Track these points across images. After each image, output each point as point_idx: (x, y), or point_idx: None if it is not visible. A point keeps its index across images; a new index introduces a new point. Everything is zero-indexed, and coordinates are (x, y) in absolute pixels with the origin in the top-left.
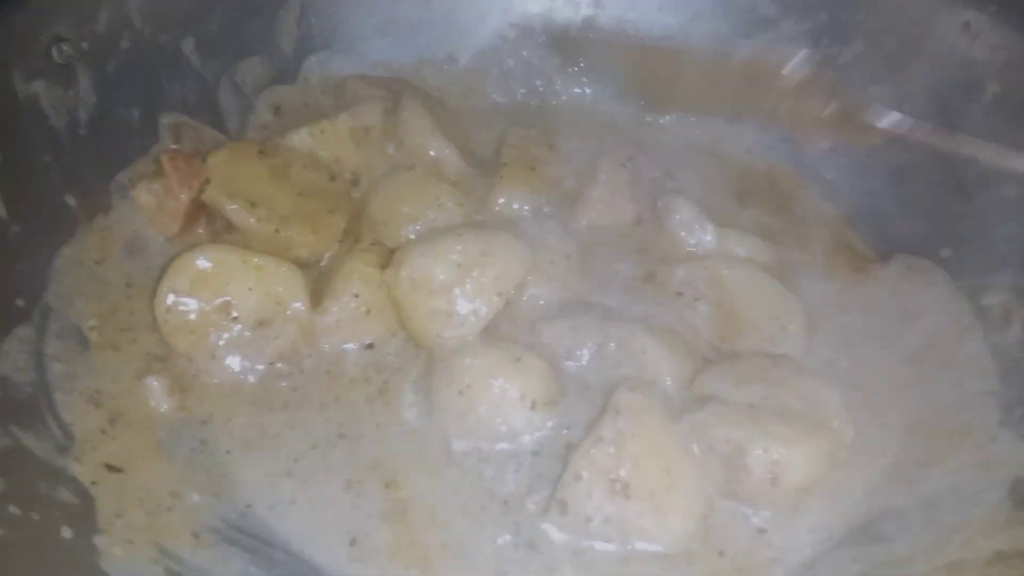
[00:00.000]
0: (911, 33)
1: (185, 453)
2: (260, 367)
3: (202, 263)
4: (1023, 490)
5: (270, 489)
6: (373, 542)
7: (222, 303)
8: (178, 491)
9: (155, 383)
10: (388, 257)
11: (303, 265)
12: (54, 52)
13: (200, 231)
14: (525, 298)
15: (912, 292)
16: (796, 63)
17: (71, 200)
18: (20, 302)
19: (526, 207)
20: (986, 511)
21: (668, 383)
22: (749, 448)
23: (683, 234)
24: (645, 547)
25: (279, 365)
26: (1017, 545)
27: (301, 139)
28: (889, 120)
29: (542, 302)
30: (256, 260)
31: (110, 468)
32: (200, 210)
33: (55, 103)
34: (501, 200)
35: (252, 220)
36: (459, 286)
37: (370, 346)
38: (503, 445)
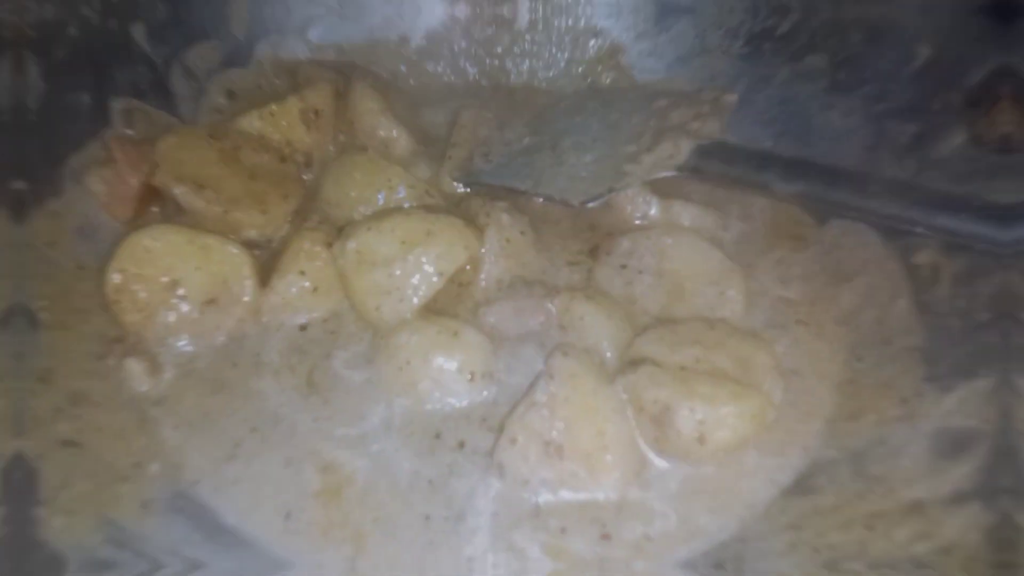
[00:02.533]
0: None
1: (142, 429)
2: (209, 346)
3: (149, 242)
4: (944, 441)
5: (214, 470)
6: (308, 517)
7: (169, 281)
8: (140, 462)
9: (135, 365)
10: (336, 235)
11: (254, 246)
12: None
13: (155, 212)
14: (482, 277)
15: (846, 255)
16: None
17: (20, 185)
18: None
19: (477, 187)
20: (909, 461)
21: (606, 348)
22: (676, 408)
23: (628, 208)
24: (580, 499)
25: (227, 344)
26: (935, 494)
27: (251, 122)
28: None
29: (496, 281)
30: (202, 240)
31: (66, 443)
32: (152, 195)
33: (1, 90)
34: (451, 181)
35: (200, 202)
36: (400, 262)
37: (305, 327)
38: (443, 418)
